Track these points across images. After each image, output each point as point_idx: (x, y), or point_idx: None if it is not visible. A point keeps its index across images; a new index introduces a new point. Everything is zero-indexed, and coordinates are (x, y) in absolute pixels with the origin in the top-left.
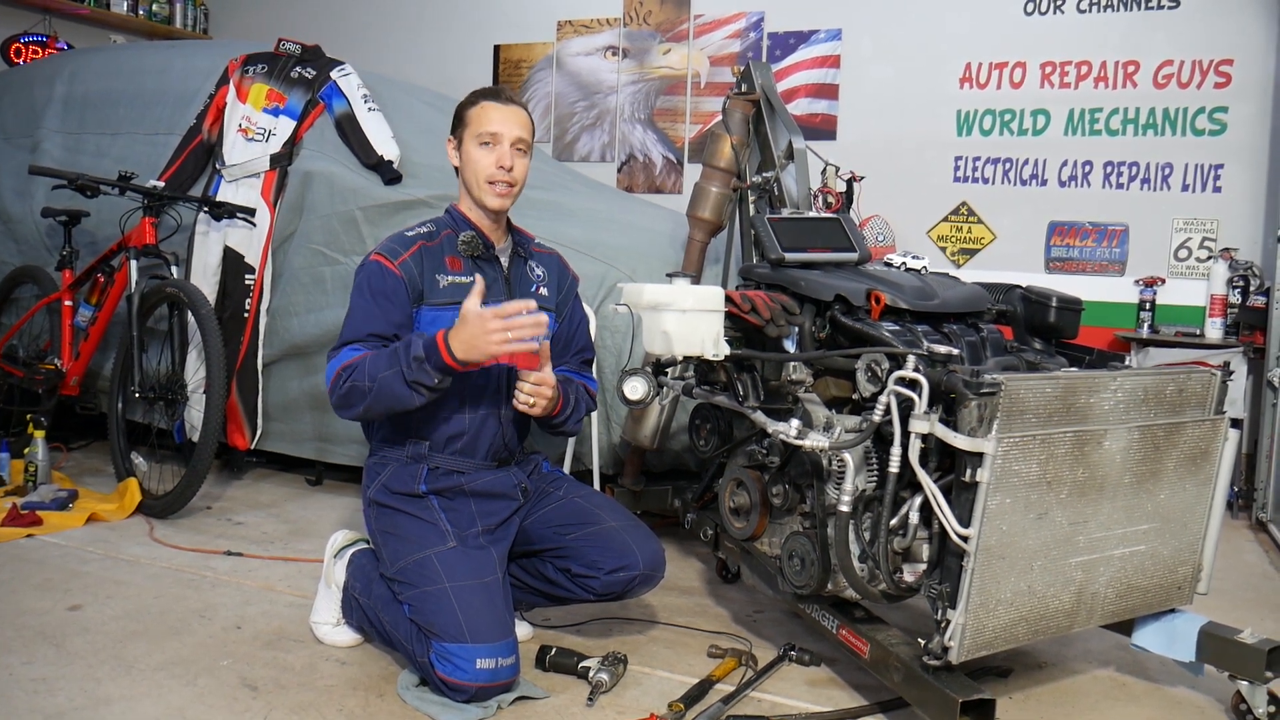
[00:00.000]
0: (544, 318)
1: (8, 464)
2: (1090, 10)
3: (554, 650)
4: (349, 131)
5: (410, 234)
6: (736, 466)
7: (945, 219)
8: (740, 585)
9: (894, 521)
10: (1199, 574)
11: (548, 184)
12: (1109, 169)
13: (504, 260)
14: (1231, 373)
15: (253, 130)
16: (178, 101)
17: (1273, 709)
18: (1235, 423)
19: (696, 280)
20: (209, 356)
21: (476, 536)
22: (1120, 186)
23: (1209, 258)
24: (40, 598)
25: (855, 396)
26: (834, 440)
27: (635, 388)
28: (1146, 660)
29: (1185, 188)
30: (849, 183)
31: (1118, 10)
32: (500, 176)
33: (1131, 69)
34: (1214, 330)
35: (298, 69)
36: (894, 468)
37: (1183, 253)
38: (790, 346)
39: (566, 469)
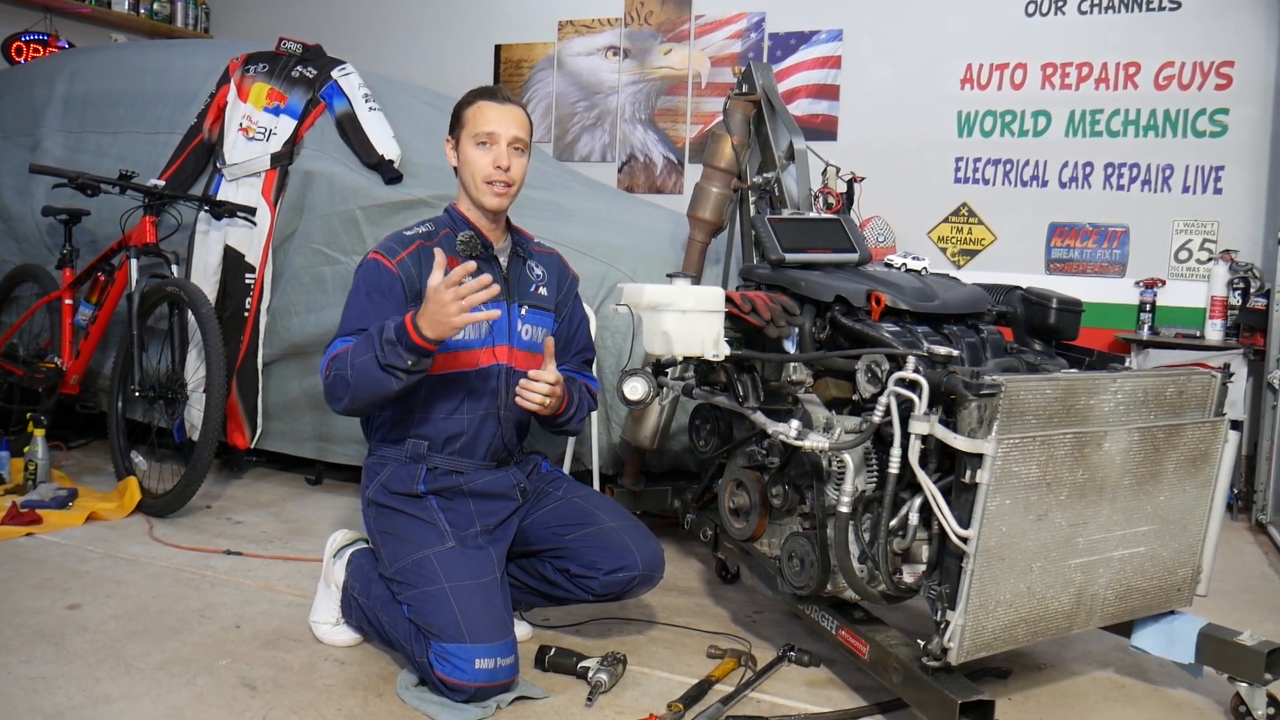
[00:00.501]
0: (488, 278)
1: (7, 462)
2: (1091, 11)
3: (553, 650)
4: (350, 131)
5: (409, 233)
6: (736, 467)
7: (946, 220)
8: (740, 586)
9: (893, 522)
10: (1198, 576)
11: (548, 184)
12: (1109, 170)
13: (503, 260)
14: (1231, 374)
15: (253, 129)
16: (178, 100)
17: (1272, 711)
18: (1235, 425)
19: (697, 281)
20: (209, 355)
21: (475, 536)
22: (1121, 188)
23: (1209, 259)
24: (39, 596)
25: (855, 397)
26: (834, 441)
27: (635, 388)
28: (1146, 662)
29: (1186, 189)
30: (849, 183)
31: (1118, 11)
32: (498, 176)
33: (1132, 70)
34: (1214, 332)
35: (299, 68)
36: (894, 469)
37: (1183, 254)
38: (790, 347)
39: (566, 469)
